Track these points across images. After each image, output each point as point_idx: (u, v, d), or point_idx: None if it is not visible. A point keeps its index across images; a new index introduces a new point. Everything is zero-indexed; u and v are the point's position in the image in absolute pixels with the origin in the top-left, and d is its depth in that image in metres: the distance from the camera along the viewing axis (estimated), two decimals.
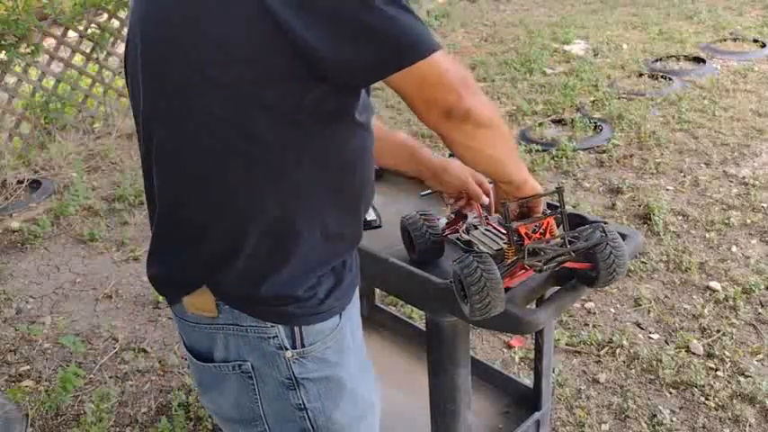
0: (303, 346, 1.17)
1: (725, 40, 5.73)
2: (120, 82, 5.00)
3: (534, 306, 1.43)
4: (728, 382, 2.40)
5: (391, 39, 1.00)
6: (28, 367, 2.73)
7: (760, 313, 2.71)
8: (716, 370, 2.46)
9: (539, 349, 1.90)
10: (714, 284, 2.89)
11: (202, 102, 1.05)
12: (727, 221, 3.30)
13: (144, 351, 2.78)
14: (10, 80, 4.58)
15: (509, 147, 1.22)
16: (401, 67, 1.01)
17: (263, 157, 1.07)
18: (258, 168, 1.08)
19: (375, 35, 0.99)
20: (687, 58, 5.39)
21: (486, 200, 1.55)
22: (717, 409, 2.30)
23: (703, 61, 5.26)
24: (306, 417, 1.20)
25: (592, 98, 4.81)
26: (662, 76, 5.02)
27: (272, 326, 1.15)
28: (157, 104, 1.11)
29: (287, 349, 1.16)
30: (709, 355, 2.53)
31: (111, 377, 2.64)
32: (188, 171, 1.12)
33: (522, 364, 2.57)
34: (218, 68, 1.03)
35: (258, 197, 1.09)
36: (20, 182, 4.13)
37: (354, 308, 1.27)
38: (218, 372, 1.20)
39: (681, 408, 2.32)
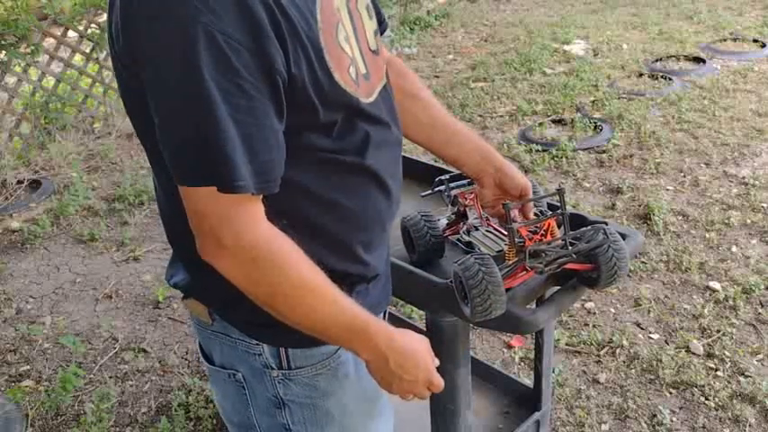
0: (290, 368, 1.13)
1: (725, 40, 5.72)
2: None
3: (534, 306, 1.43)
4: (728, 382, 2.40)
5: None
6: (28, 367, 2.73)
7: (760, 313, 2.71)
8: (716, 370, 2.46)
9: (539, 349, 1.90)
10: (714, 284, 2.89)
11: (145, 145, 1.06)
12: (727, 221, 3.30)
13: (144, 351, 2.78)
14: (10, 80, 4.58)
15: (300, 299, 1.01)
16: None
17: None
18: None
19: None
20: (687, 58, 5.38)
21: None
22: (717, 409, 2.30)
23: (703, 61, 5.25)
24: None
25: (592, 98, 4.81)
26: (662, 76, 5.02)
27: (257, 344, 1.12)
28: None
29: (272, 369, 1.13)
30: (709, 355, 2.53)
31: (111, 377, 2.64)
32: (157, 186, 1.13)
33: (522, 364, 2.57)
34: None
35: None
36: (20, 182, 4.12)
37: None
38: (218, 375, 1.20)
39: (681, 408, 2.32)
